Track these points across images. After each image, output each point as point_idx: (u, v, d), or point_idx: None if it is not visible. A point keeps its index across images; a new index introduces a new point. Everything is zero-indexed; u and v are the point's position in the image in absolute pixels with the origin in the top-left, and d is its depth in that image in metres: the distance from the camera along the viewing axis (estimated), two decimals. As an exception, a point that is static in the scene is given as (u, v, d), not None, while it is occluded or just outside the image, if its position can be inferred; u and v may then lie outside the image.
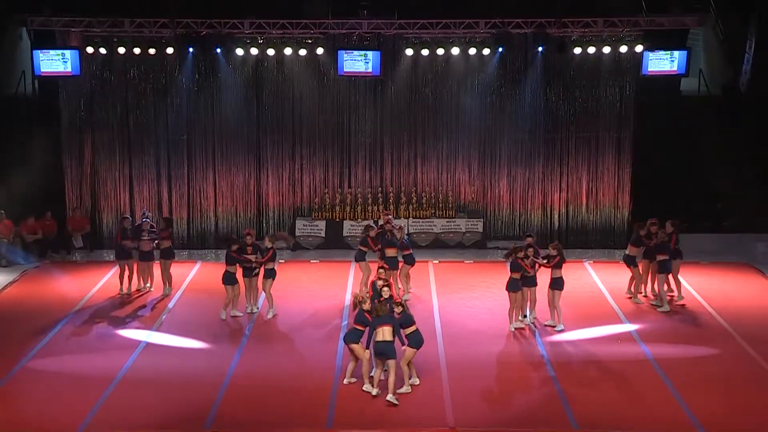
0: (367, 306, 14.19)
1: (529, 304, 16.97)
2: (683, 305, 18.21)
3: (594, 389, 14.38)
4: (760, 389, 14.35)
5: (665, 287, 18.18)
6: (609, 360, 15.57)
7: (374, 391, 13.91)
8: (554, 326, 16.80)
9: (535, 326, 16.92)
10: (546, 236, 22.77)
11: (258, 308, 17.85)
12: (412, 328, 14.19)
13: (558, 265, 16.79)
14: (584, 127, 23.00)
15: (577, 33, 21.74)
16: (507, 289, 16.80)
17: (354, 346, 14.19)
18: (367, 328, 14.13)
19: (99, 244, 22.80)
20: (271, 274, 17.56)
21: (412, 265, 18.68)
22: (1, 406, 13.71)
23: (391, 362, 13.82)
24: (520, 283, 16.68)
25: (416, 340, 14.18)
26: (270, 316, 17.43)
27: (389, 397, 13.63)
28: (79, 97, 22.59)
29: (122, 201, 23.00)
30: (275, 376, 14.86)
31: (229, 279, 17.39)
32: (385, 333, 13.88)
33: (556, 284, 16.80)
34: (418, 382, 14.30)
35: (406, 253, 18.59)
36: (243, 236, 18.16)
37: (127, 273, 19.06)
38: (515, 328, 16.73)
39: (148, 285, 19.18)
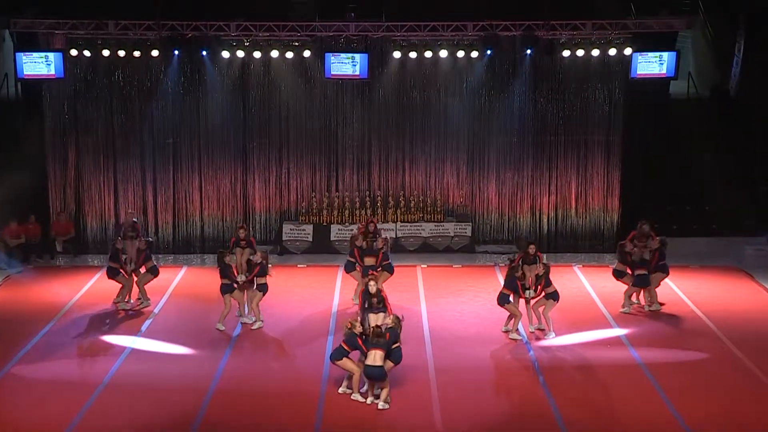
0: (358, 330, 14.20)
1: (526, 313, 17.03)
2: (661, 311, 18.26)
3: (583, 394, 14.45)
4: (750, 393, 14.44)
5: (634, 297, 18.30)
6: (598, 364, 15.64)
7: (369, 400, 13.94)
8: (543, 329, 16.84)
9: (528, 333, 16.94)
10: (535, 240, 22.84)
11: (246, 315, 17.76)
12: (395, 345, 14.16)
13: (548, 284, 16.83)
14: (573, 130, 23.11)
15: (565, 35, 21.83)
16: (498, 302, 16.79)
17: (339, 362, 14.19)
18: (355, 351, 14.16)
19: (83, 249, 22.78)
20: (262, 289, 17.31)
21: (391, 273, 18.38)
22: (-16, 413, 13.70)
23: (383, 383, 13.88)
24: (511, 297, 16.74)
25: (396, 357, 14.13)
26: (255, 327, 17.28)
27: (381, 404, 13.68)
28: (63, 100, 22.56)
29: (107, 205, 22.98)
30: (262, 381, 14.88)
31: (227, 289, 17.24)
32: (376, 357, 13.87)
33: (552, 296, 16.83)
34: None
35: (385, 262, 18.30)
36: (236, 231, 18.08)
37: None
38: (511, 338, 16.72)
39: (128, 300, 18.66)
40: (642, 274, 18.08)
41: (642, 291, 18.38)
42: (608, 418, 13.64)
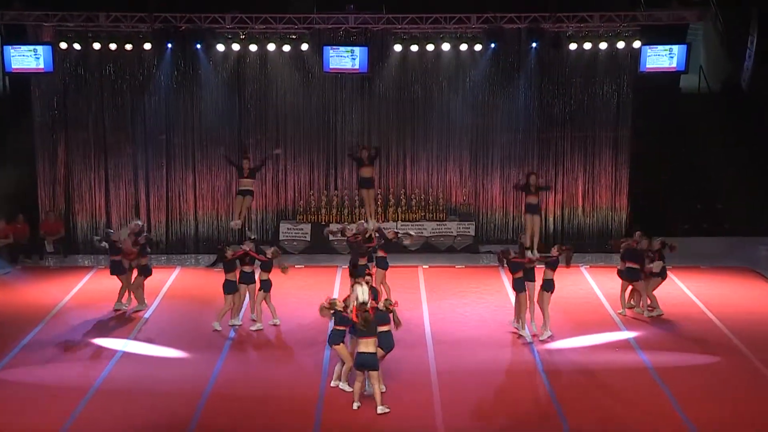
0: (340, 307, 14.36)
1: (528, 308, 17.05)
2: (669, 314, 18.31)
3: (590, 398, 14.50)
4: (761, 398, 14.51)
5: (626, 297, 18.27)
6: (605, 368, 15.68)
7: (355, 405, 13.98)
8: (541, 334, 16.88)
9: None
10: (541, 240, 22.93)
11: (239, 321, 17.72)
12: (384, 327, 14.21)
13: (552, 266, 16.89)
14: (580, 125, 23.18)
15: (572, 28, 21.90)
16: (514, 289, 16.91)
17: (337, 347, 14.36)
18: (349, 327, 14.28)
19: (73, 249, 22.83)
20: (264, 286, 17.33)
21: (385, 269, 18.20)
22: (-29, 418, 13.76)
23: (374, 374, 13.92)
24: (524, 280, 16.79)
25: (386, 342, 14.22)
26: (254, 328, 17.29)
27: (379, 409, 13.77)
28: (52, 95, 22.63)
29: (98, 204, 23.05)
30: (259, 385, 14.95)
31: (230, 287, 17.29)
32: (369, 344, 13.98)
33: (548, 286, 16.85)
34: (384, 389, 14.30)
35: (380, 255, 18.08)
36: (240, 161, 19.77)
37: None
38: (514, 327, 16.84)
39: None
40: (632, 267, 18.01)
41: (632, 292, 18.35)
42: (615, 422, 13.69)
